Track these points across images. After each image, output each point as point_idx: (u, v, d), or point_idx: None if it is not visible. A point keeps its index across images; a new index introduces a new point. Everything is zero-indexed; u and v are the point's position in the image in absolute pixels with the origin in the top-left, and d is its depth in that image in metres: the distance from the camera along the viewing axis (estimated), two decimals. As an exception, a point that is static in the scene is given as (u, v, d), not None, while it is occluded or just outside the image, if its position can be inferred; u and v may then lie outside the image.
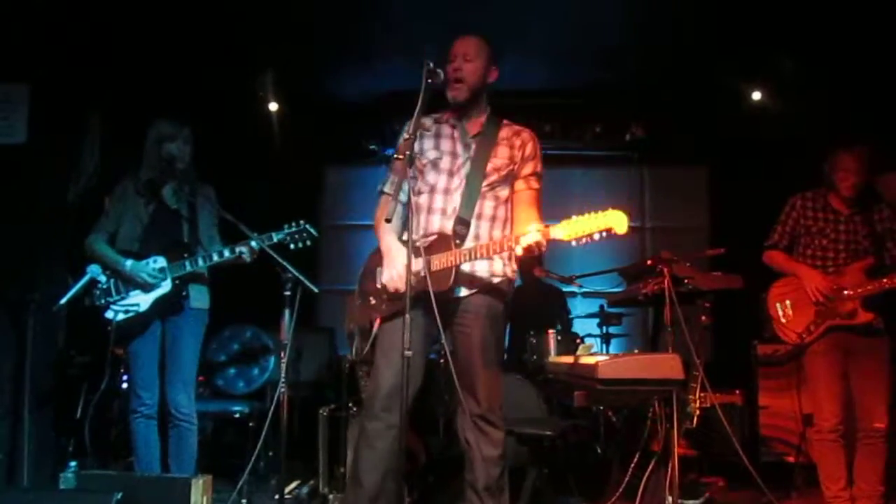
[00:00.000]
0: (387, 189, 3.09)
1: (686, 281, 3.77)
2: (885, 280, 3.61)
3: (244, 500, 3.99)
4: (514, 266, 3.03)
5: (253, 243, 3.63)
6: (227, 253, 3.67)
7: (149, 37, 4.83)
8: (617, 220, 2.57)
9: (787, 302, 3.83)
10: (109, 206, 3.89)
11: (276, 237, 3.65)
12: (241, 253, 3.66)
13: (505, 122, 3.07)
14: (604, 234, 2.58)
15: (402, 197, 3.04)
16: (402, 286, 2.80)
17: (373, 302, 2.98)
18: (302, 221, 3.69)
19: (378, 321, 2.95)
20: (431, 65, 2.78)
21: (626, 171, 7.49)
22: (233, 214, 3.76)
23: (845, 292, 3.68)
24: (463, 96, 2.97)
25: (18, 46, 4.08)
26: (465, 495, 2.94)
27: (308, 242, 3.70)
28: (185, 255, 3.72)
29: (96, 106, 4.85)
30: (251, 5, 4.90)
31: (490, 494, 2.88)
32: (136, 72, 4.99)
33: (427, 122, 3.05)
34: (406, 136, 2.84)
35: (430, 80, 2.76)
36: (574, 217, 2.62)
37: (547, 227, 2.67)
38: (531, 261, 5.90)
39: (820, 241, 3.82)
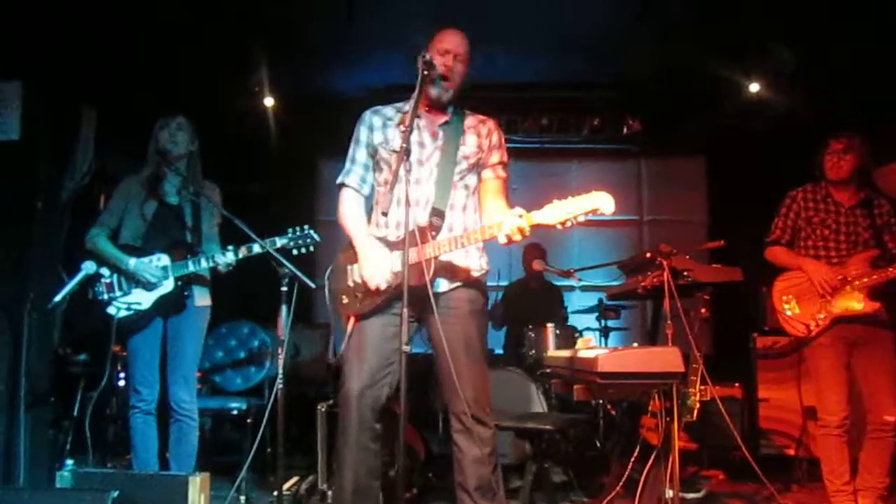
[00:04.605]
0: (349, 181, 3.03)
1: (685, 273, 3.75)
2: (890, 269, 3.59)
3: (242, 497, 3.98)
4: (486, 256, 2.98)
5: (256, 246, 3.61)
6: (230, 255, 3.66)
7: (144, 33, 4.80)
8: (602, 200, 2.54)
9: (792, 295, 3.80)
10: (111, 200, 3.88)
11: (279, 242, 3.63)
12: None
13: (467, 111, 3.04)
14: (589, 214, 2.56)
15: (366, 190, 3.02)
16: (382, 283, 2.77)
17: (345, 301, 2.90)
18: (306, 226, 3.68)
19: (354, 319, 2.88)
20: (427, 57, 2.76)
21: (624, 164, 7.48)
22: (229, 210, 3.74)
23: (851, 282, 3.66)
24: (447, 97, 2.92)
25: (12, 42, 4.05)
26: (456, 498, 2.84)
27: (311, 248, 3.68)
28: (188, 256, 3.71)
29: (91, 103, 4.81)
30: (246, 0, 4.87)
31: (482, 495, 2.77)
32: (131, 68, 4.96)
33: (389, 112, 3.01)
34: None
35: (426, 73, 2.72)
36: (556, 201, 2.59)
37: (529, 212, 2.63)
38: (530, 255, 5.88)
39: (822, 232, 3.80)
